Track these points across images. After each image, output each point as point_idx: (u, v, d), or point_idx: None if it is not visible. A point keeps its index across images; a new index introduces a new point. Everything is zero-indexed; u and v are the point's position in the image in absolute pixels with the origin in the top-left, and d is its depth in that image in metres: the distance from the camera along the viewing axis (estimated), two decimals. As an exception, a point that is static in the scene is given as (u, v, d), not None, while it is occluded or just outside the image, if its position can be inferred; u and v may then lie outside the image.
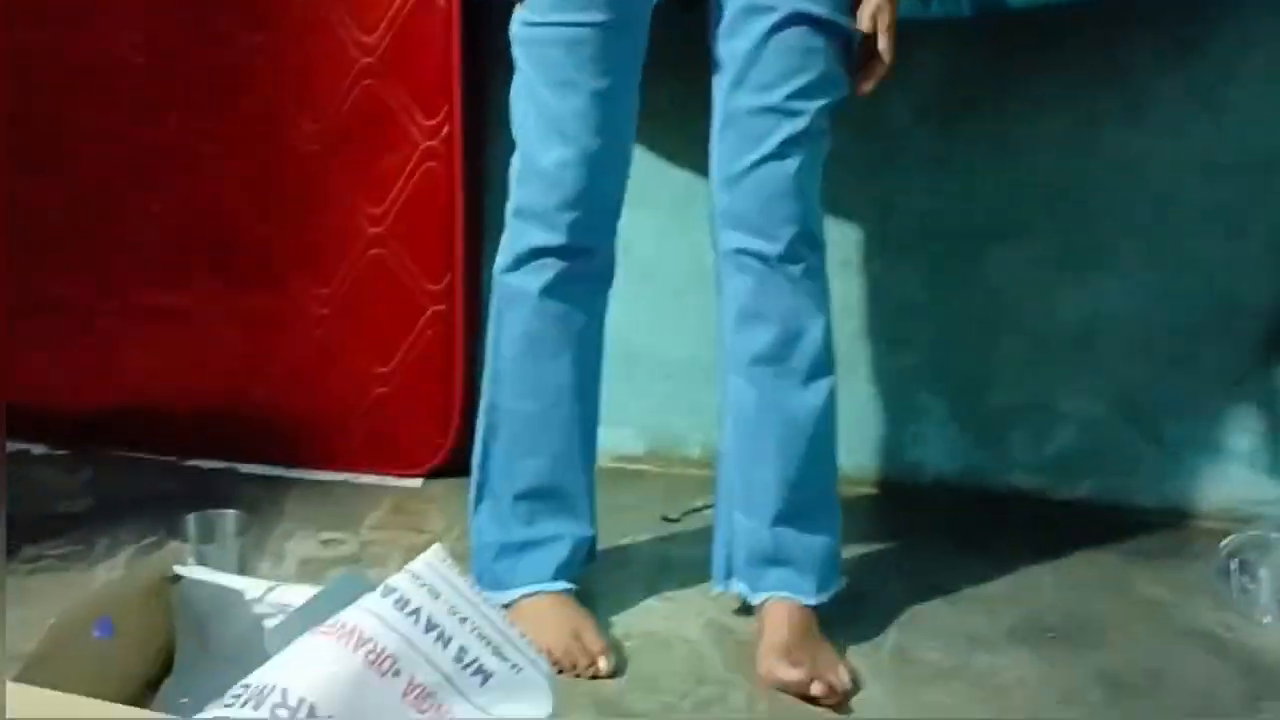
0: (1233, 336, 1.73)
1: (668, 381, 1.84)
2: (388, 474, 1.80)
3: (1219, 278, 1.72)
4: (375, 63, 1.70)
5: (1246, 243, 1.70)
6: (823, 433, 1.34)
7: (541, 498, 1.37)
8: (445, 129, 1.70)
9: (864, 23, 1.27)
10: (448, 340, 1.76)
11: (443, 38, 1.67)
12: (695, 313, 1.80)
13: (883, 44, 1.28)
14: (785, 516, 1.34)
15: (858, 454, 1.78)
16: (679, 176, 1.76)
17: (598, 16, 1.25)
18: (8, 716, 0.87)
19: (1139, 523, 1.74)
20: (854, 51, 1.29)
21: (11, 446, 1.83)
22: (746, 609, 1.39)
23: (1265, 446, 1.73)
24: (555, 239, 1.30)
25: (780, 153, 1.26)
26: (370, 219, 1.74)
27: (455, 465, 1.77)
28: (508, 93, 1.71)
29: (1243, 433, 1.75)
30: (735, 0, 1.27)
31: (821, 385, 1.33)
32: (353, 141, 1.73)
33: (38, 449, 1.84)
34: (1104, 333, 1.75)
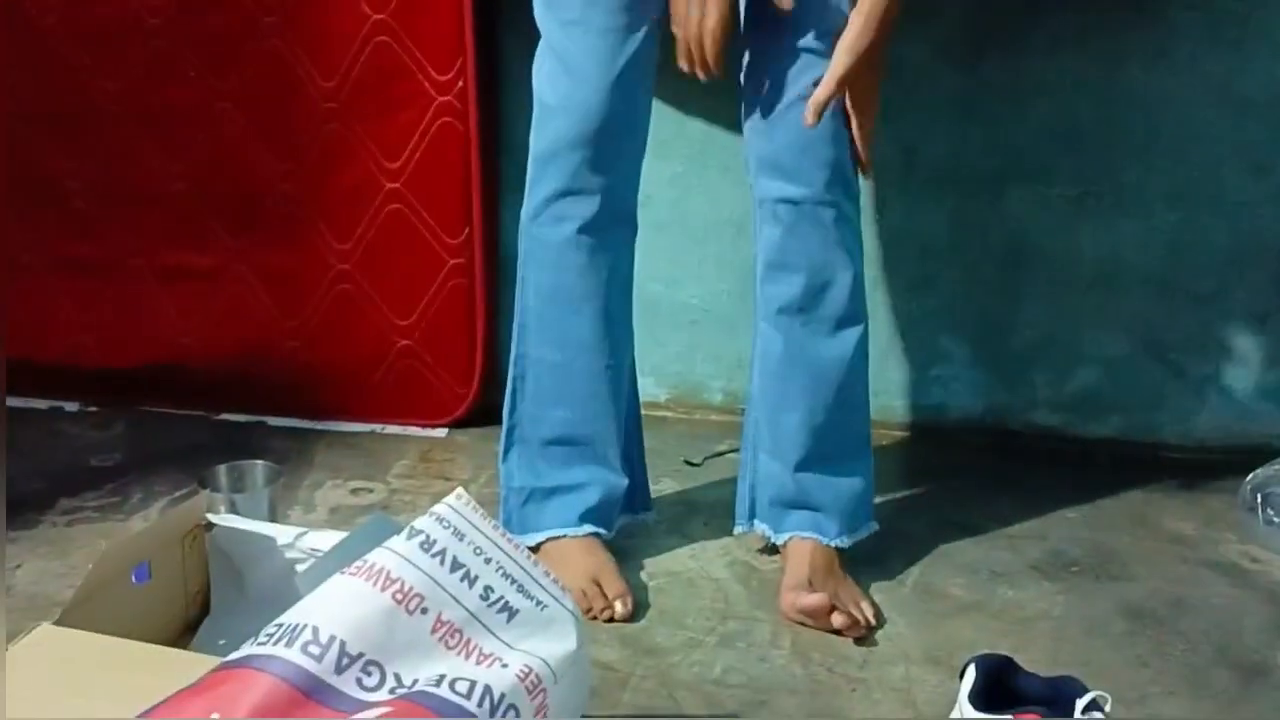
0: (1257, 273, 1.72)
1: (689, 329, 1.85)
2: (413, 424, 1.82)
3: (1243, 215, 1.70)
4: (387, 19, 1.69)
5: (1271, 179, 1.68)
6: (852, 381, 1.35)
7: (570, 444, 1.38)
8: (459, 84, 1.70)
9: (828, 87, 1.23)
10: (469, 293, 1.77)
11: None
12: (714, 261, 1.81)
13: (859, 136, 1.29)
14: (810, 461, 1.35)
15: (882, 396, 1.78)
16: (696, 126, 1.75)
17: None
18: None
19: (1163, 459, 1.74)
20: None
21: (44, 404, 1.87)
22: (771, 549, 1.41)
23: (1290, 383, 1.73)
24: (571, 181, 1.30)
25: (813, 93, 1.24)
26: (388, 174, 1.75)
27: (479, 416, 1.79)
28: (519, 48, 1.71)
29: (1268, 369, 1.74)
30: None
31: (850, 334, 1.33)
32: (368, 98, 1.73)
33: (70, 406, 1.87)
34: (1126, 272, 1.74)
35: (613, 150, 1.30)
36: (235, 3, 1.73)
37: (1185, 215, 1.71)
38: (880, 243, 1.77)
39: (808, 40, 1.26)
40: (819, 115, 1.22)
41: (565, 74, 1.28)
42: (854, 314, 1.33)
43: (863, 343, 1.35)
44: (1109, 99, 1.69)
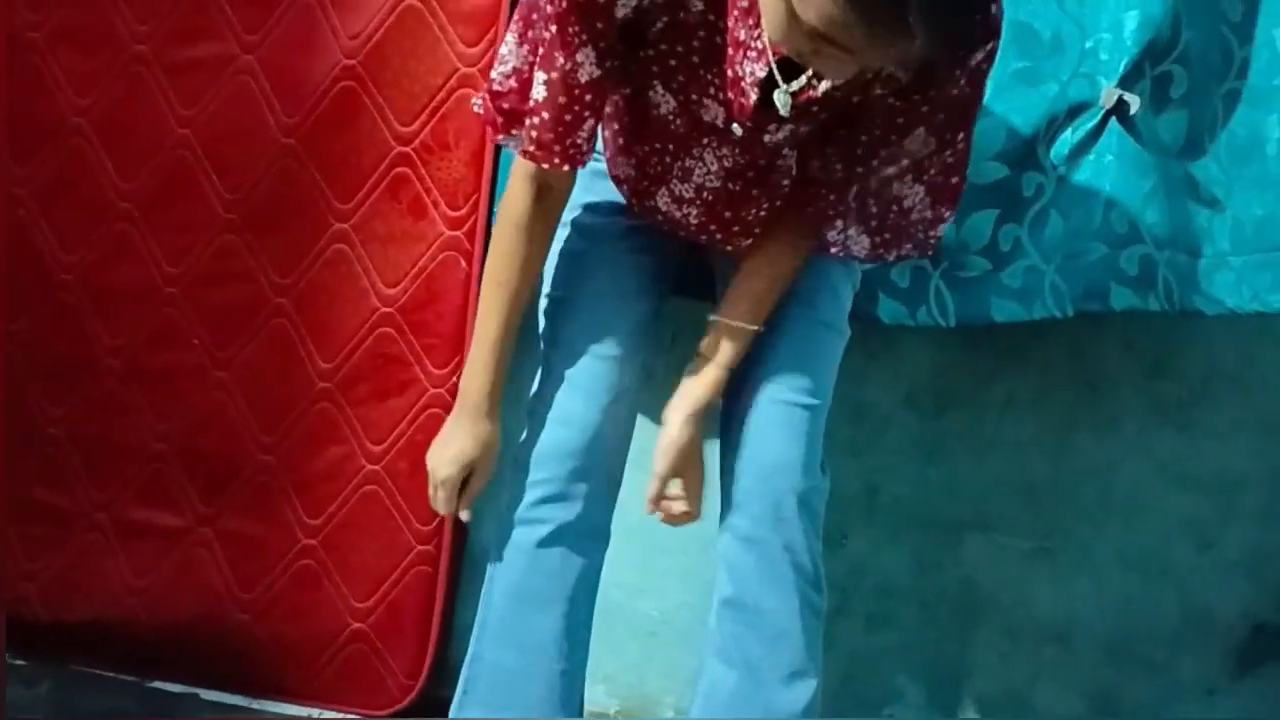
0: (1206, 645, 1.75)
1: (644, 640, 1.84)
2: (353, 712, 1.76)
3: (1192, 587, 1.76)
4: (394, 314, 1.79)
5: (1218, 555, 1.75)
6: None
7: None
8: (454, 379, 1.77)
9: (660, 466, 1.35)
10: (431, 581, 1.77)
11: (460, 296, 1.75)
12: (678, 574, 1.83)
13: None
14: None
15: (833, 732, 1.75)
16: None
17: (609, 285, 1.36)
18: None
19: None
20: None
21: (-27, 651, 1.80)
22: None
23: (1241, 762, 1.72)
24: (557, 487, 1.33)
25: (786, 446, 1.30)
26: (369, 456, 1.79)
27: (422, 707, 1.74)
28: (515, 356, 1.82)
29: (1218, 746, 1.74)
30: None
31: (803, 687, 1.31)
32: (363, 382, 1.79)
33: (-1, 658, 1.81)
34: (1080, 630, 1.77)
35: (603, 462, 1.35)
36: (250, 280, 1.82)
37: (1136, 581, 1.77)
38: (841, 575, 1.81)
39: (784, 395, 1.32)
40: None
41: (568, 391, 1.35)
42: (811, 667, 1.31)
43: (815, 699, 1.32)
44: (1063, 460, 1.79)
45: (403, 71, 1.74)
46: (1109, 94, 1.54)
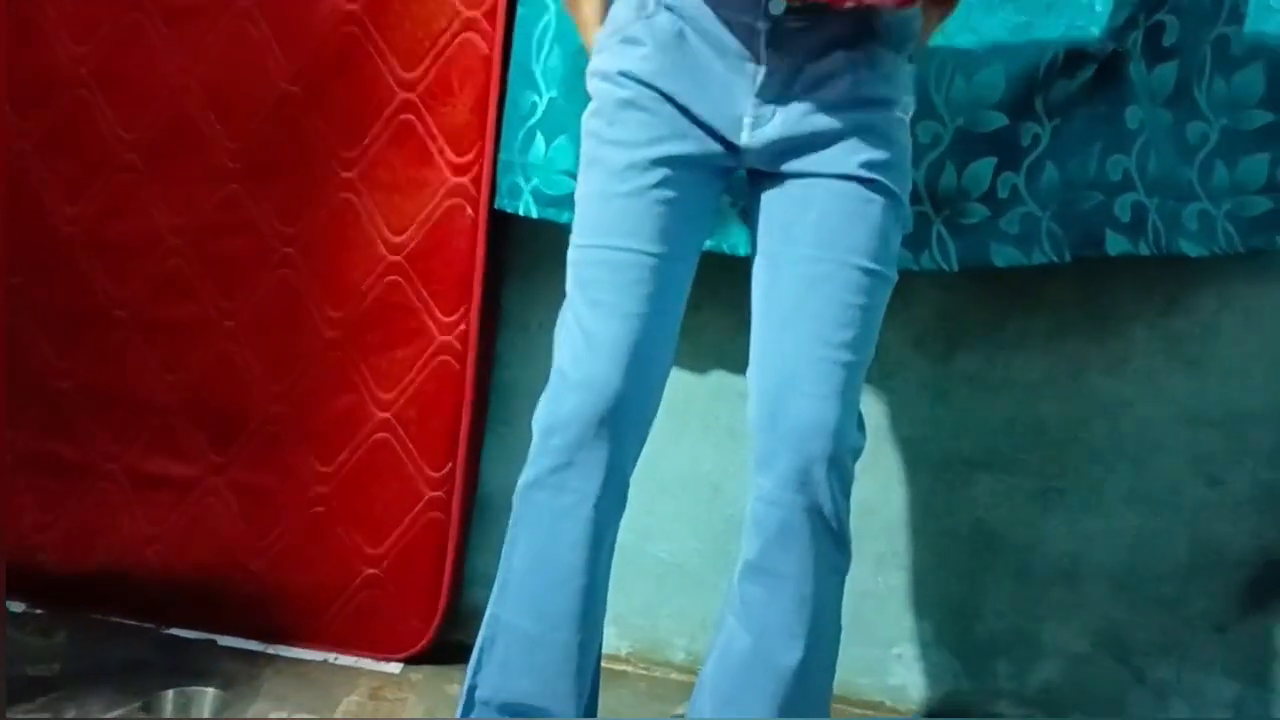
0: (1217, 582, 1.75)
1: (655, 583, 1.85)
2: (367, 657, 1.78)
3: (1202, 524, 1.76)
4: (402, 261, 1.78)
5: (1228, 490, 1.75)
6: (815, 692, 1.32)
7: (529, 715, 1.34)
8: (461, 326, 1.77)
9: None
10: (443, 527, 1.78)
11: (468, 243, 1.75)
12: (687, 518, 1.84)
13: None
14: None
15: (844, 670, 1.75)
16: (679, 383, 1.81)
17: (647, 245, 1.28)
18: None
19: (1124, 765, 1.72)
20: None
21: (-9, 602, 1.82)
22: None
23: (1251, 696, 1.73)
24: (577, 454, 1.29)
25: (822, 404, 1.26)
26: (380, 404, 1.79)
27: (436, 653, 1.76)
28: (522, 293, 1.82)
29: (1228, 679, 1.75)
30: (771, 248, 1.30)
31: (823, 645, 1.32)
32: (372, 331, 1.79)
33: (17, 606, 1.82)
34: (1089, 569, 1.78)
35: (625, 429, 1.31)
36: (254, 231, 1.81)
37: (1145, 519, 1.77)
38: (850, 516, 1.81)
39: (822, 350, 1.27)
40: None
41: (589, 350, 1.29)
42: (831, 630, 1.32)
43: (833, 653, 1.34)
44: (1073, 400, 1.78)
45: (405, 16, 1.72)
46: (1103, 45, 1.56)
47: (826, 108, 1.26)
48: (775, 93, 1.27)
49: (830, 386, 1.26)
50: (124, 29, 1.82)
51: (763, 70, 1.26)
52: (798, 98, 1.27)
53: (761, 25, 1.25)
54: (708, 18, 1.27)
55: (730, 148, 1.29)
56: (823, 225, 1.27)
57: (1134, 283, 1.75)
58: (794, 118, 1.27)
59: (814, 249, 1.27)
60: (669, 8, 1.28)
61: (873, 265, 1.27)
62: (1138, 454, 1.76)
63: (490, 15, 1.69)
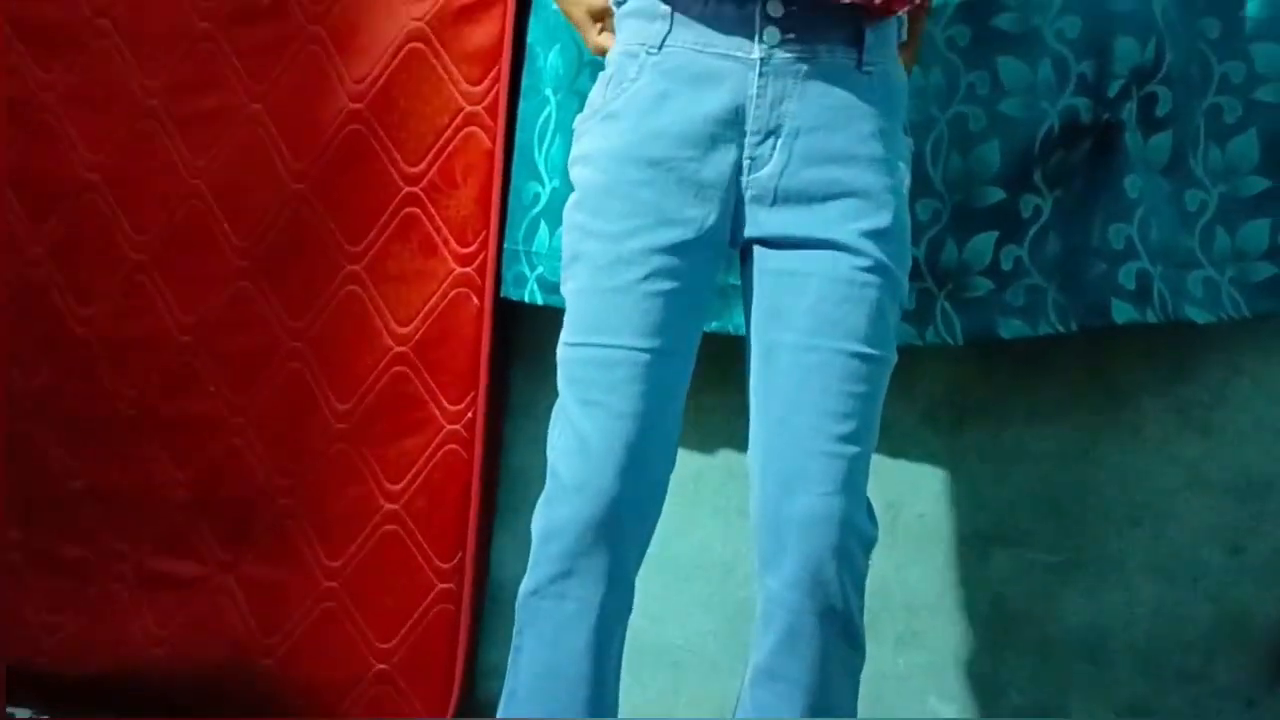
0: (1243, 653, 1.72)
1: (670, 670, 1.82)
2: (381, 754, 1.75)
3: (1224, 593, 1.73)
4: (408, 351, 1.80)
5: (1248, 559, 1.72)
6: None
7: None
8: (469, 414, 1.78)
9: None
10: (454, 619, 1.76)
11: (474, 331, 1.76)
12: (700, 602, 1.81)
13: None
14: None
15: (865, 758, 1.72)
16: (689, 464, 1.80)
17: (638, 341, 1.23)
18: None
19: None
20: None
21: None
22: None
23: (1286, 771, 1.68)
24: (578, 563, 1.25)
25: (828, 500, 1.23)
26: (388, 495, 1.79)
27: (448, 750, 1.73)
28: (529, 378, 1.83)
29: (1260, 756, 1.70)
30: (766, 335, 1.26)
31: None
32: (379, 422, 1.79)
33: (21, 712, 1.80)
34: (1112, 642, 1.74)
35: (625, 533, 1.27)
36: (263, 326, 1.83)
37: (1166, 590, 1.74)
38: (867, 596, 1.78)
39: (822, 444, 1.23)
40: None
41: (581, 454, 1.24)
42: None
43: None
44: (1086, 471, 1.77)
45: (409, 113, 1.76)
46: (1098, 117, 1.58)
47: (824, 158, 1.23)
48: (770, 127, 1.23)
49: (834, 482, 1.23)
50: (137, 136, 1.87)
51: (755, 104, 1.22)
52: (794, 137, 1.23)
53: (756, 54, 1.22)
54: (696, 64, 1.23)
55: (725, 212, 1.24)
56: (817, 311, 1.23)
57: (1141, 351, 1.75)
58: (793, 161, 1.23)
59: (808, 336, 1.23)
60: (654, 65, 1.24)
61: (870, 350, 1.24)
62: (1155, 524, 1.74)
63: (492, 109, 1.73)
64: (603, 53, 1.33)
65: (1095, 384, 1.77)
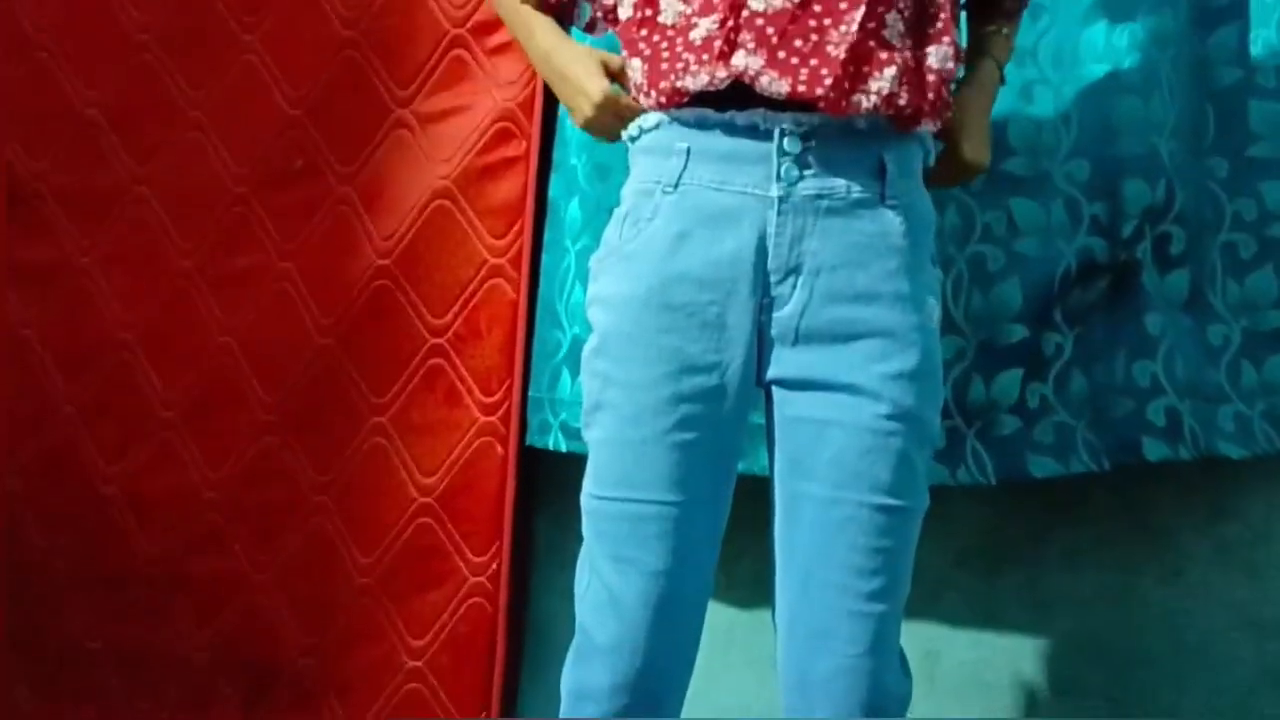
0: (1313, 807, 1.62)
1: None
2: None
3: (1287, 743, 1.65)
4: (432, 502, 1.79)
5: (1308, 704, 1.65)
6: None
7: None
8: (493, 565, 1.75)
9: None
10: (478, 782, 1.70)
11: (498, 480, 1.75)
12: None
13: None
14: None
15: None
16: (719, 614, 1.76)
17: (669, 495, 1.19)
18: None
19: None
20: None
21: None
22: None
23: None
24: None
25: (857, 661, 1.18)
26: (411, 652, 1.75)
27: None
28: (554, 528, 1.80)
29: None
30: (789, 485, 1.23)
31: None
32: (403, 575, 1.78)
33: None
34: (1172, 797, 1.66)
35: (659, 692, 1.22)
36: (289, 480, 1.84)
37: (1225, 740, 1.66)
38: (909, 750, 1.71)
39: (850, 604, 1.18)
40: None
41: (613, 612, 1.20)
42: None
43: None
44: (1130, 614, 1.70)
45: (435, 266, 1.80)
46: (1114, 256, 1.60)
47: (846, 297, 1.19)
48: (791, 266, 1.19)
49: (863, 643, 1.18)
50: (172, 296, 1.91)
51: (775, 242, 1.19)
52: (815, 276, 1.19)
53: (774, 192, 1.19)
54: (714, 202, 1.20)
55: (750, 353, 1.21)
56: (840, 463, 1.18)
57: (1178, 489, 1.71)
58: (815, 300, 1.19)
59: (832, 489, 1.18)
60: (671, 204, 1.21)
61: (897, 502, 1.18)
62: (1207, 669, 1.67)
63: (515, 261, 1.77)
64: (614, 126, 1.29)
65: (1132, 523, 1.72)
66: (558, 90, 1.32)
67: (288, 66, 1.85)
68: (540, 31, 1.33)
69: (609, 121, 1.27)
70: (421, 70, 1.80)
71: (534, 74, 1.72)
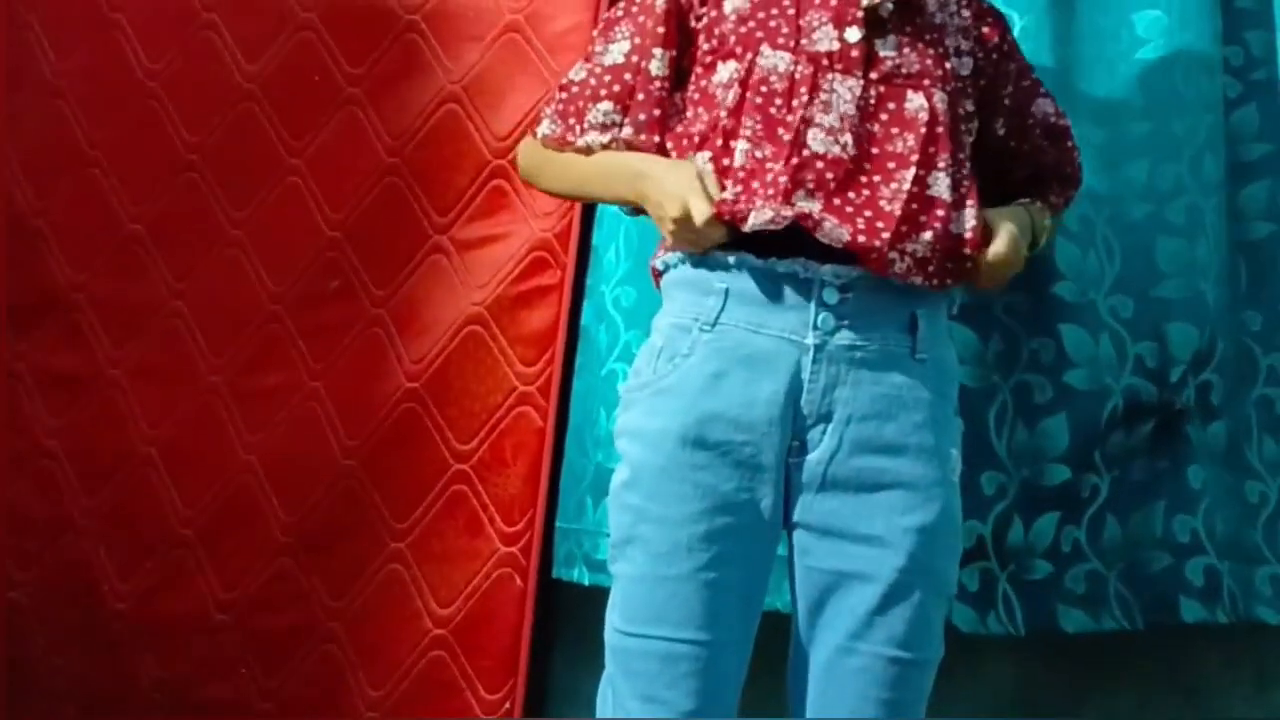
0: None
1: None
2: None
3: None
4: (447, 635, 1.74)
5: None
6: None
7: None
8: (507, 705, 1.69)
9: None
10: None
11: (515, 614, 1.71)
12: None
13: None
14: None
15: None
16: None
17: (700, 634, 1.18)
18: None
19: None
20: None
21: None
22: None
23: None
24: None
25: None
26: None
27: None
28: (570, 677, 1.74)
29: None
30: (806, 631, 1.23)
31: None
32: (412, 713, 1.72)
33: None
34: None
35: None
36: (302, 604, 1.80)
37: None
38: None
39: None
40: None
41: None
42: None
43: None
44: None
45: (464, 392, 1.79)
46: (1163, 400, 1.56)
47: (874, 448, 1.21)
48: (822, 413, 1.21)
49: None
50: (198, 411, 1.90)
51: (808, 389, 1.20)
52: (845, 424, 1.20)
53: (810, 340, 1.21)
54: (750, 344, 1.21)
55: (778, 495, 1.22)
56: (857, 614, 1.20)
57: (1222, 653, 1.65)
58: (843, 448, 1.21)
59: (847, 639, 1.20)
60: (707, 343, 1.22)
61: (911, 656, 1.20)
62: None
63: (545, 389, 1.75)
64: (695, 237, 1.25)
65: (1173, 687, 1.65)
66: (649, 196, 1.26)
67: (330, 189, 1.88)
68: (626, 156, 1.31)
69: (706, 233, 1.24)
70: (461, 198, 1.82)
71: (571, 205, 1.75)
